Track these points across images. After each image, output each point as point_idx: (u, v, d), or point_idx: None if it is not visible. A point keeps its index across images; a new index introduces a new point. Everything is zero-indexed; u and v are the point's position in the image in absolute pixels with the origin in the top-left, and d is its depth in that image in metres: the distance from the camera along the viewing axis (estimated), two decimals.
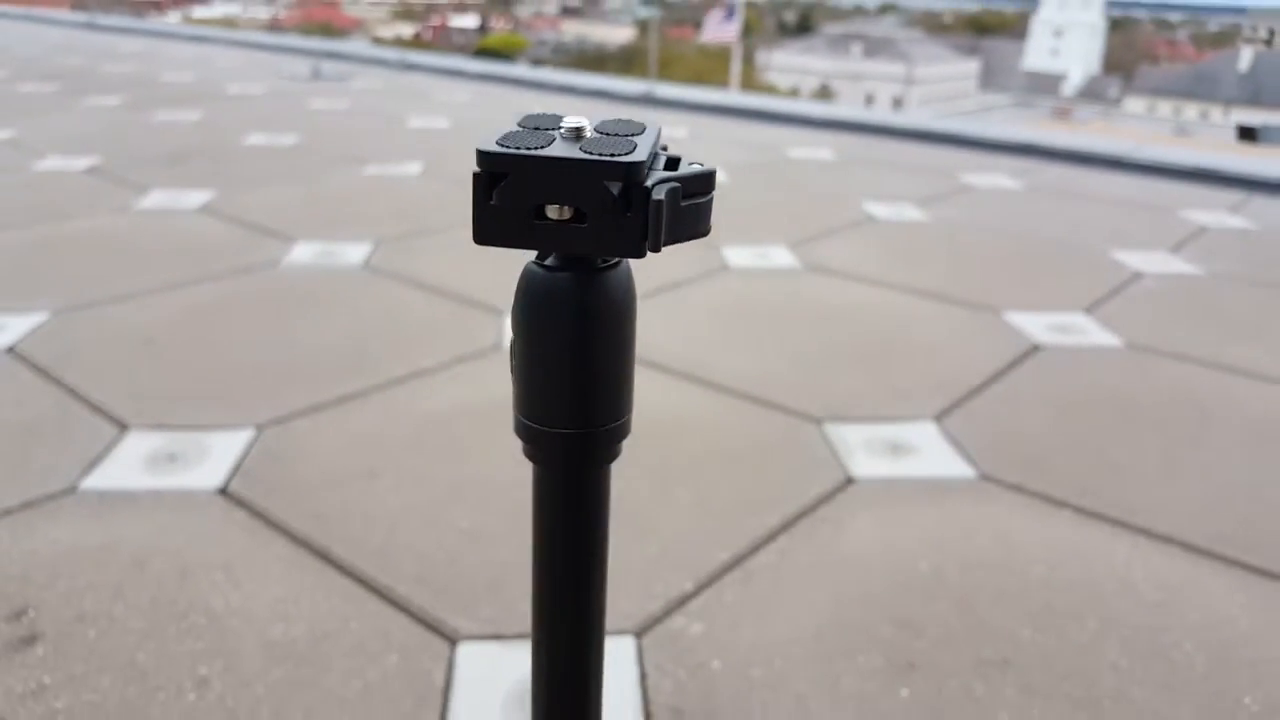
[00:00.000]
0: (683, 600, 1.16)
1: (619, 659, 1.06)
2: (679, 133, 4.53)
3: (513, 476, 1.39)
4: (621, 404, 0.43)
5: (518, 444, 0.45)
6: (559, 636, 0.46)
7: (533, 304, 0.40)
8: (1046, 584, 1.21)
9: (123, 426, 1.51)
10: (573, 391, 0.41)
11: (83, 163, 3.38)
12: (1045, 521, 1.36)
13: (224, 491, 1.35)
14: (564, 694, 0.47)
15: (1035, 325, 2.12)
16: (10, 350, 1.78)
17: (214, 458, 1.43)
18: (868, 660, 1.06)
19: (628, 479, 1.43)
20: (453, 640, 1.08)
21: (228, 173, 3.30)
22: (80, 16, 10.62)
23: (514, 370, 0.42)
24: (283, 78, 5.99)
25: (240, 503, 1.32)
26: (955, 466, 1.50)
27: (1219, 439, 1.62)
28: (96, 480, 1.36)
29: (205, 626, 1.08)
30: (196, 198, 2.95)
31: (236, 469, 1.40)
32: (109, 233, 2.59)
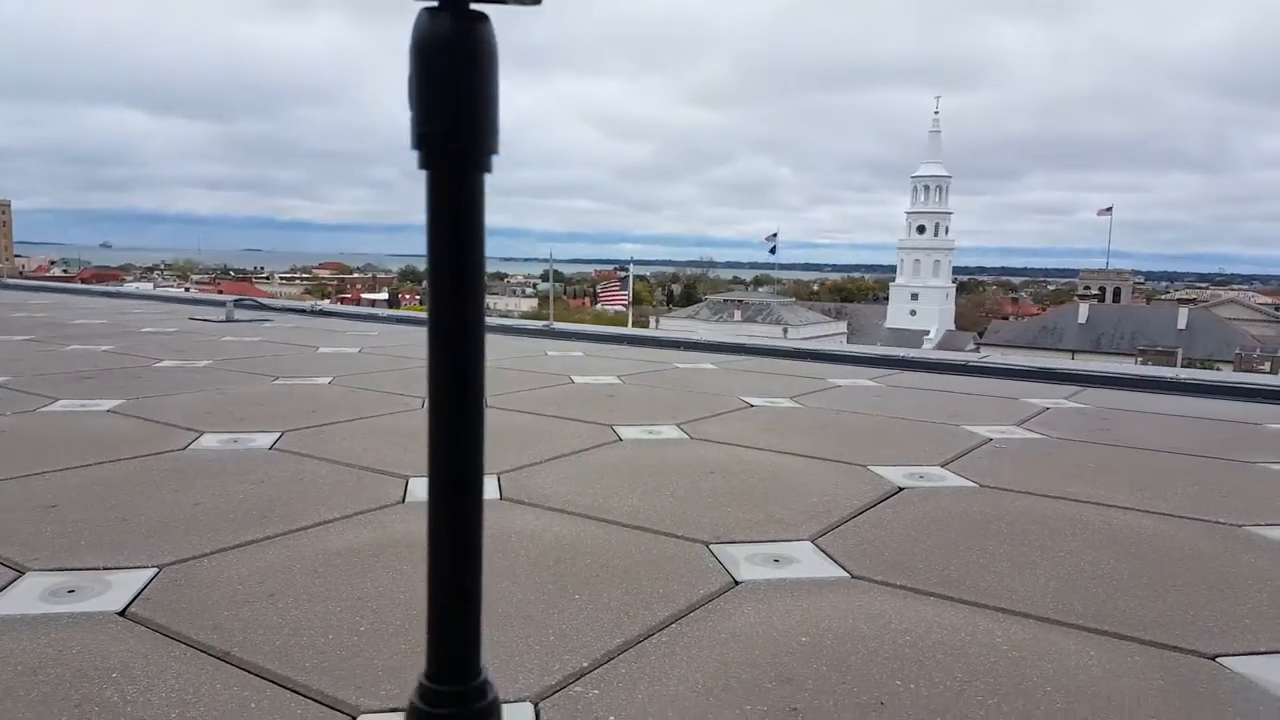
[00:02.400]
0: (580, 674, 1.21)
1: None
2: (575, 353, 4.83)
3: (414, 593, 1.44)
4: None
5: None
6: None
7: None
8: (915, 646, 1.32)
9: (20, 571, 1.51)
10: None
11: None
12: (911, 605, 1.48)
13: (123, 614, 1.35)
14: None
15: (896, 474, 2.33)
16: None
17: (115, 589, 1.43)
18: (754, 707, 1.13)
19: (524, 587, 1.50)
20: (353, 715, 1.10)
21: (138, 387, 3.36)
22: None
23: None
24: (196, 320, 6.15)
25: (141, 621, 1.33)
26: (830, 570, 1.63)
27: (1064, 545, 1.80)
28: None
29: (99, 713, 1.07)
30: (105, 404, 2.99)
31: (137, 596, 1.41)
32: (12, 429, 2.59)
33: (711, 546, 1.72)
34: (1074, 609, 1.47)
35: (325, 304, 7.56)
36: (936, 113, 53.05)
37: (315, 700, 1.12)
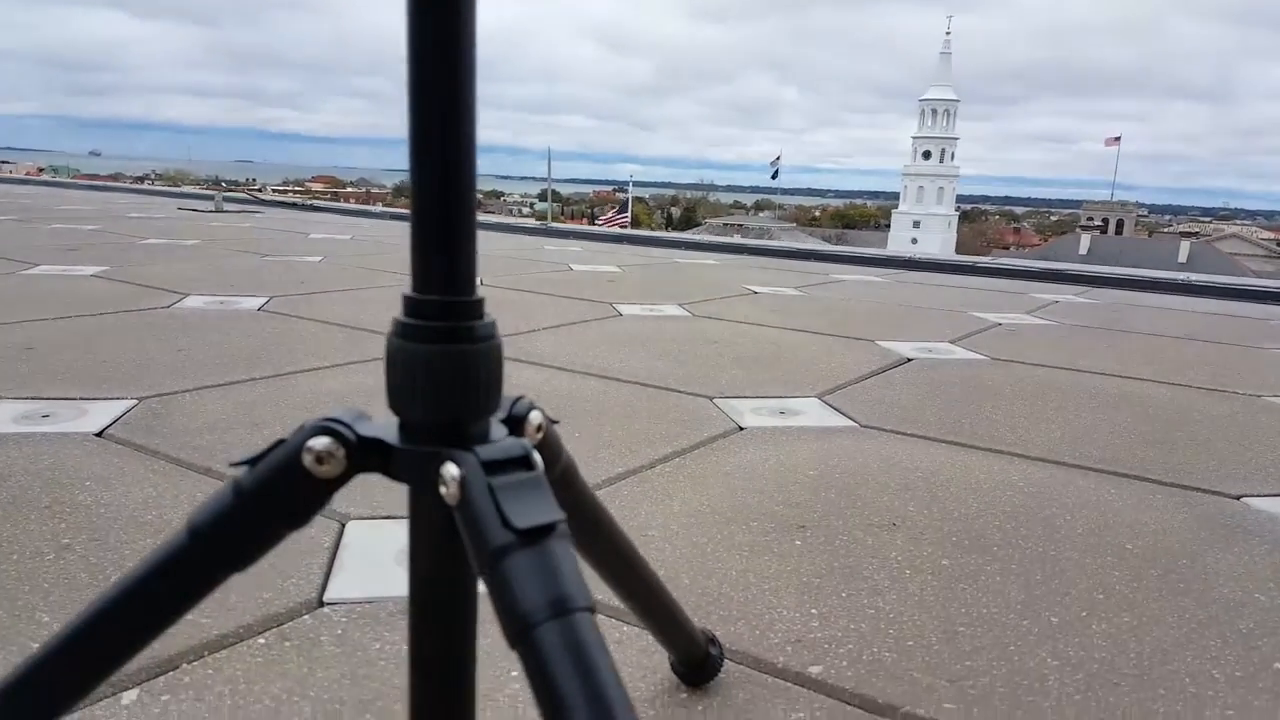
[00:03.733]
0: None
1: None
2: (573, 248, 4.73)
3: None
4: None
5: None
6: None
7: None
8: (928, 481, 1.26)
9: None
10: None
11: None
12: (923, 448, 1.43)
13: (100, 435, 1.29)
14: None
15: (905, 348, 2.26)
16: None
17: (91, 416, 1.37)
18: (760, 525, 1.08)
19: None
20: (342, 523, 1.04)
21: (123, 258, 3.26)
22: None
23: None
24: (185, 209, 6.01)
25: (118, 441, 1.27)
26: (838, 420, 1.57)
27: (1078, 406, 1.74)
28: None
29: (70, 514, 1.01)
30: (89, 270, 2.90)
31: (115, 421, 1.35)
32: None
33: (715, 400, 1.66)
34: (1091, 456, 1.42)
35: (318, 202, 7.39)
36: (948, 33, 51.63)
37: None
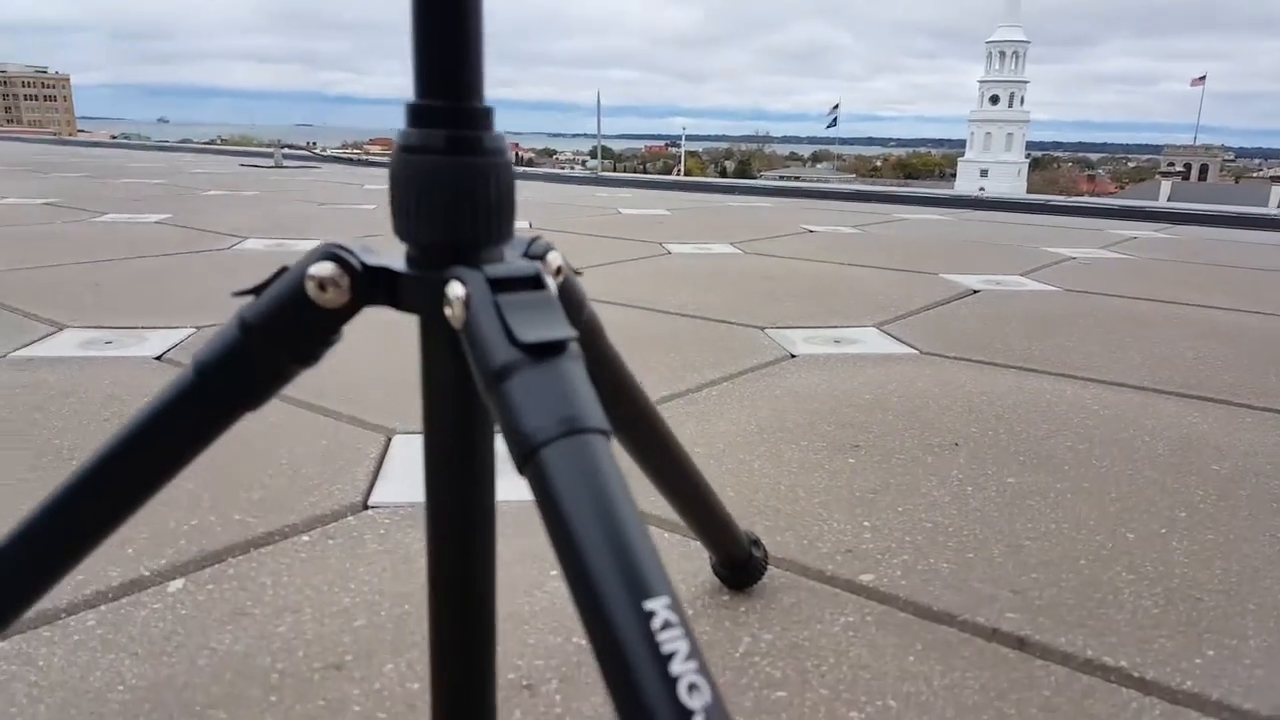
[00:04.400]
0: None
1: None
2: (623, 194, 4.67)
3: None
4: None
5: None
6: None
7: None
8: (994, 404, 1.20)
9: (59, 327, 1.46)
10: None
11: (40, 201, 3.37)
12: (989, 374, 1.36)
13: (159, 358, 1.30)
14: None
15: (971, 280, 2.17)
16: None
17: (150, 342, 1.38)
18: (810, 444, 1.03)
19: None
20: (389, 435, 1.03)
21: (186, 208, 3.31)
22: (50, 135, 10.84)
23: None
24: (246, 165, 6.10)
25: (174, 363, 1.27)
26: (897, 348, 1.51)
27: (1159, 334, 1.65)
28: (27, 353, 1.31)
29: None
30: (154, 217, 2.95)
31: (173, 346, 1.36)
32: (60, 232, 2.56)
33: (766, 330, 1.61)
34: (1173, 381, 1.33)
35: (376, 157, 7.43)
36: None
37: (348, 423, 1.06)
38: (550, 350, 0.32)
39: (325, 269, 0.36)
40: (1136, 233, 3.36)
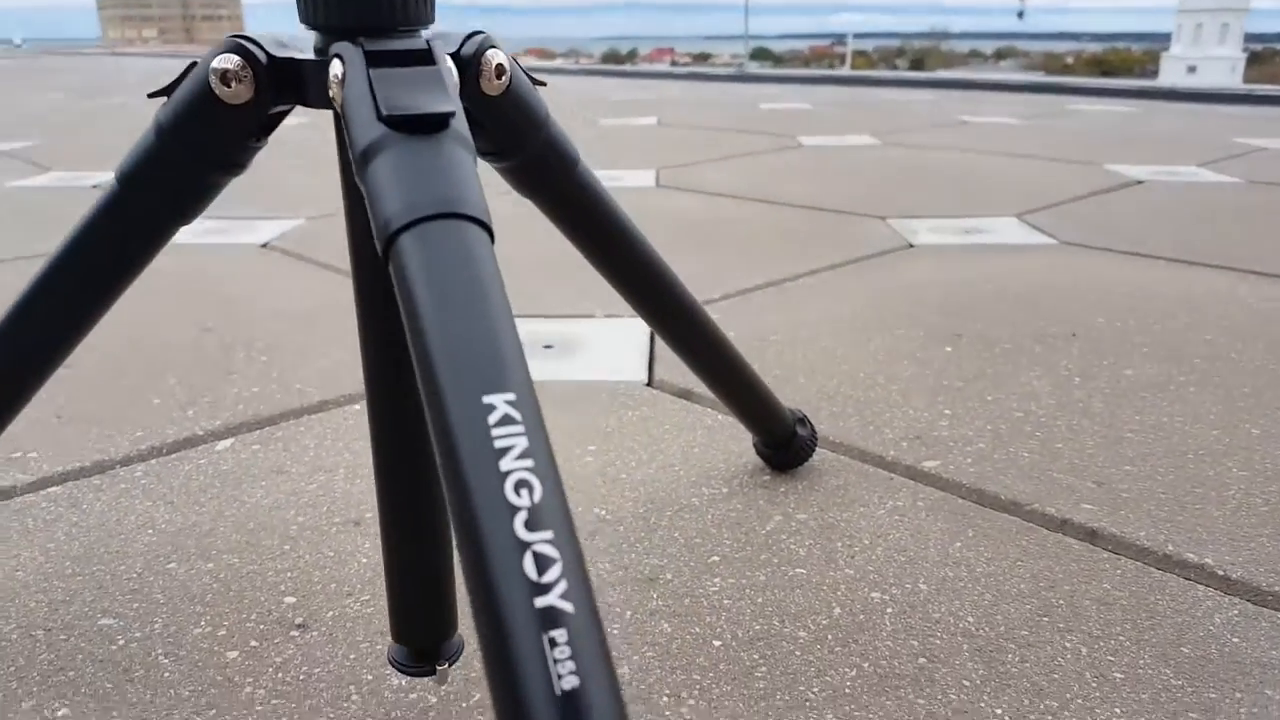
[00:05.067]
0: (707, 303, 1.08)
1: (632, 331, 0.98)
2: (770, 89, 4.49)
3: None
4: None
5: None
6: None
7: None
8: (1129, 296, 1.07)
9: None
10: None
11: None
12: (1132, 264, 1.22)
13: (264, 246, 1.36)
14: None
15: (1139, 171, 1.95)
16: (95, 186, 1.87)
17: (258, 232, 1.44)
18: (906, 333, 0.95)
19: (684, 245, 1.37)
20: None
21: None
22: None
23: None
24: None
25: (279, 250, 1.33)
26: (1033, 238, 1.37)
27: None
28: None
29: (220, 305, 1.06)
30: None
31: (281, 235, 1.41)
32: None
33: (888, 220, 1.50)
34: None
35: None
36: None
37: None
38: (423, 125, 0.28)
39: (229, 61, 0.33)
40: None
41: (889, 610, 0.50)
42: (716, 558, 0.55)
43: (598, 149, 2.36)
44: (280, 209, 1.61)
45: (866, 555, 0.55)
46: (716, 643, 0.47)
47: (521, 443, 0.23)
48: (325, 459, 0.68)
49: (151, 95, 0.36)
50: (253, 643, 0.47)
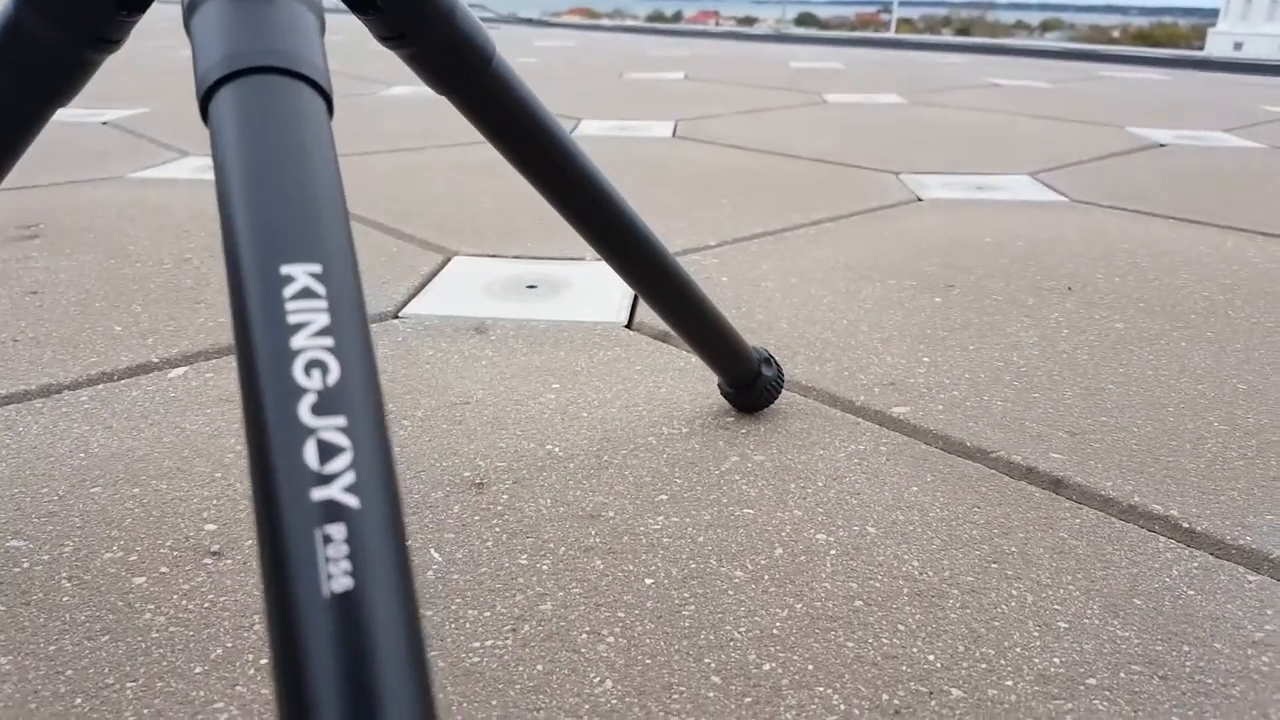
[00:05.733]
0: (701, 248, 1.05)
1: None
2: (804, 49, 4.40)
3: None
4: None
5: None
6: None
7: None
8: (1132, 253, 1.04)
9: (183, 153, 1.54)
10: None
11: None
12: (1140, 223, 1.18)
13: None
14: None
15: (1162, 134, 1.89)
16: (105, 123, 1.87)
17: None
18: (898, 282, 0.93)
19: (692, 195, 1.34)
20: (450, 255, 1.01)
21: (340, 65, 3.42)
22: None
23: None
24: None
25: None
26: (1045, 195, 1.33)
27: None
28: (146, 174, 1.39)
29: (206, 238, 1.06)
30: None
31: None
32: None
33: (901, 175, 1.46)
34: None
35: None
36: None
37: (418, 244, 1.05)
38: None
39: None
40: None
41: (832, 552, 0.48)
42: (664, 496, 0.53)
43: (617, 100, 2.32)
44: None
45: (819, 497, 0.53)
46: (648, 580, 0.46)
47: (321, 319, 0.21)
48: None
49: None
50: (162, 569, 0.46)
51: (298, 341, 0.20)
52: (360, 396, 0.20)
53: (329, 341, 0.21)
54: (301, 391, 0.20)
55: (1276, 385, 0.68)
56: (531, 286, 0.92)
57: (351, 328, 0.21)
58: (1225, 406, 0.65)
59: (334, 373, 0.20)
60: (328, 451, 0.19)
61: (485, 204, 1.23)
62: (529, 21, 6.83)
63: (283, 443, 0.19)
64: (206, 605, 0.44)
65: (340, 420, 0.20)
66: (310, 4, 0.27)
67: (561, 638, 0.42)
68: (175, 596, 0.44)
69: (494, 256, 1.01)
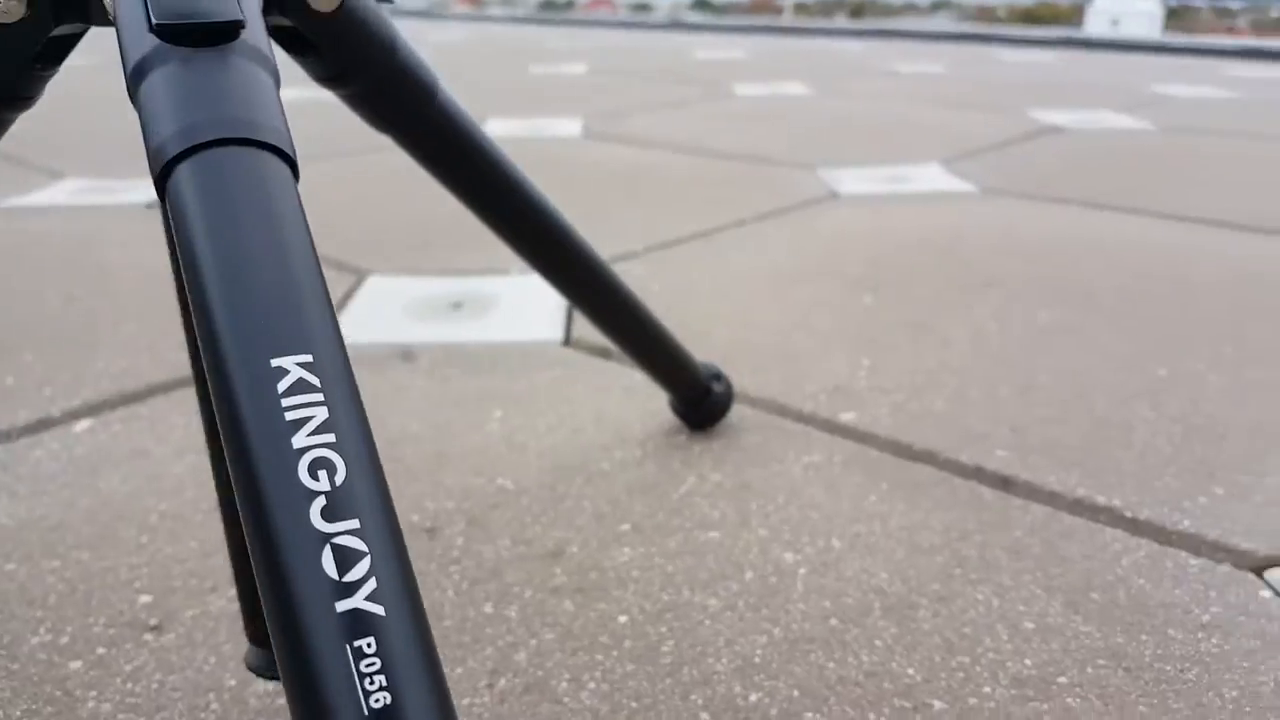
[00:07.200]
0: (631, 255, 1.05)
1: (548, 287, 0.95)
2: (704, 38, 4.43)
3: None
4: None
5: None
6: None
7: None
8: (1045, 244, 1.08)
9: (57, 174, 1.46)
10: None
11: None
12: (1049, 211, 1.22)
13: (149, 206, 1.28)
14: None
15: (1060, 117, 1.97)
16: None
17: (141, 191, 1.36)
18: (826, 283, 0.94)
19: (587, 199, 1.33)
20: (363, 275, 0.98)
21: None
22: None
23: None
24: None
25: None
26: (957, 185, 1.37)
27: (1245, 172, 1.46)
28: (19, 201, 1.30)
29: (89, 270, 1.00)
30: None
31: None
32: None
33: (817, 170, 1.48)
34: (1252, 218, 1.17)
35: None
36: None
37: (327, 265, 1.02)
38: (204, 36, 0.24)
39: None
40: (1261, 75, 2.99)
41: (801, 571, 0.49)
42: (626, 526, 0.53)
43: (521, 98, 2.29)
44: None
45: (781, 514, 0.54)
46: (622, 618, 0.45)
47: (320, 413, 0.20)
48: (194, 438, 0.63)
49: None
50: (99, 650, 0.43)
51: (300, 440, 0.19)
52: (368, 492, 0.19)
53: (330, 438, 0.19)
54: (311, 495, 0.19)
55: (1193, 370, 0.72)
56: (457, 305, 0.90)
57: (350, 418, 0.20)
58: (1149, 394, 0.68)
59: (340, 471, 0.19)
60: (345, 558, 0.18)
61: (395, 216, 1.20)
62: (415, 14, 6.70)
63: (298, 553, 0.18)
64: (154, 686, 0.41)
65: (354, 523, 0.19)
66: (264, 62, 0.25)
67: (541, 689, 0.41)
68: (118, 680, 0.41)
69: (412, 274, 0.98)
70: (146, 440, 0.63)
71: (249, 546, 0.19)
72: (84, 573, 0.49)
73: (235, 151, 0.23)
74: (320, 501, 0.19)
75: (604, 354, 0.77)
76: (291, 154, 0.24)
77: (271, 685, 0.41)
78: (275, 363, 0.20)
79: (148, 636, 0.44)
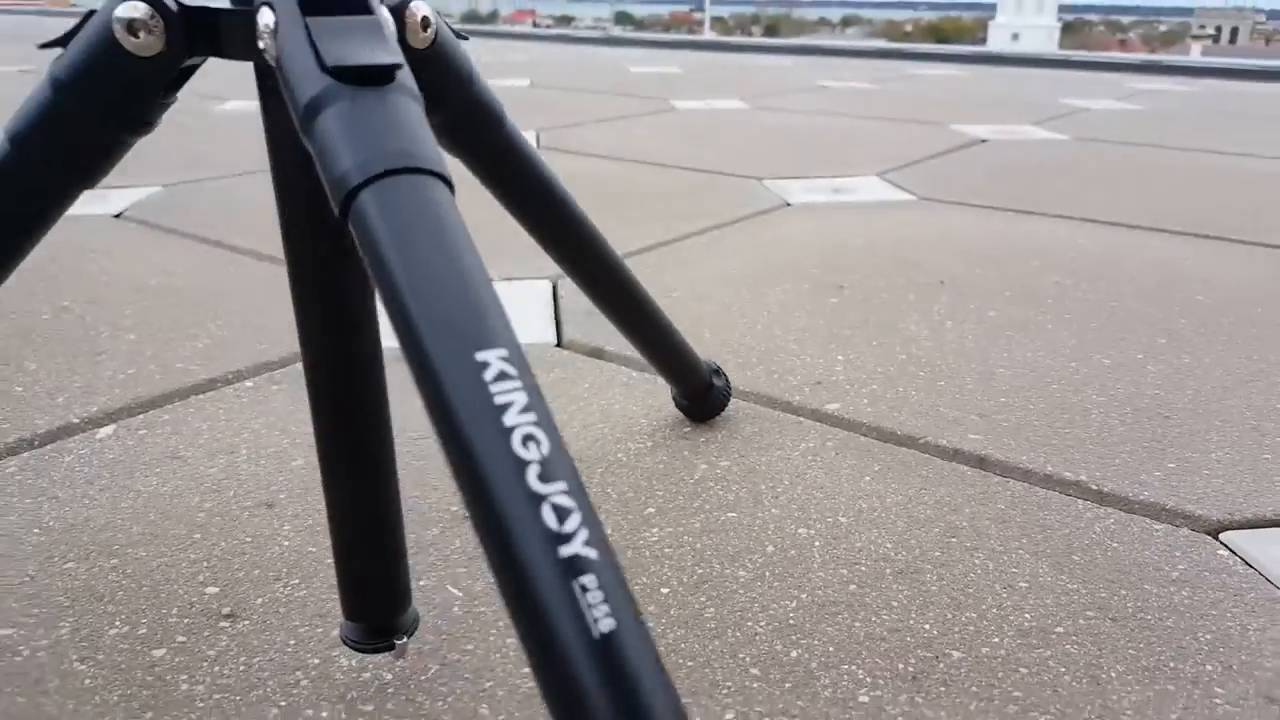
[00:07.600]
0: None
1: (535, 292, 0.99)
2: (636, 52, 4.50)
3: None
4: None
5: None
6: None
7: None
8: (985, 245, 1.16)
9: None
10: None
11: None
12: (985, 217, 1.31)
13: (117, 216, 1.27)
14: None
15: (982, 130, 2.09)
16: None
17: (110, 202, 1.35)
18: (794, 286, 1.00)
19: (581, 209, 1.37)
20: None
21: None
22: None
23: None
24: None
25: (133, 220, 1.25)
26: (895, 194, 1.45)
27: (1157, 179, 1.58)
28: None
29: (73, 281, 1.00)
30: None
31: (136, 204, 1.33)
32: None
33: (764, 181, 1.55)
34: (1170, 219, 1.28)
35: None
36: None
37: None
38: (370, 77, 0.28)
39: (135, 10, 0.31)
40: (1158, 86, 3.21)
41: (817, 543, 0.54)
42: (652, 509, 0.57)
43: None
44: (132, 175, 1.50)
45: (789, 494, 0.59)
46: (664, 590, 0.50)
47: (521, 398, 0.23)
48: (223, 440, 0.66)
49: (43, 46, 0.34)
50: (179, 638, 0.46)
51: (509, 420, 0.23)
52: (568, 462, 0.23)
53: (533, 416, 0.23)
54: (525, 463, 0.22)
55: (1133, 358, 0.80)
56: None
57: (541, 402, 0.24)
58: (1098, 380, 0.75)
59: (545, 444, 0.23)
60: (562, 513, 0.22)
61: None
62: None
63: (521, 511, 0.22)
64: (242, 668, 0.44)
65: (562, 484, 0.22)
66: (413, 94, 0.29)
67: None
68: (205, 664, 0.44)
69: None
70: (175, 444, 0.65)
71: (469, 511, 0.23)
72: (144, 568, 0.51)
73: (408, 179, 0.27)
74: (535, 469, 0.22)
75: (597, 354, 0.81)
76: (448, 178, 0.28)
77: (355, 661, 0.44)
78: (479, 357, 0.24)
79: (224, 624, 0.47)
